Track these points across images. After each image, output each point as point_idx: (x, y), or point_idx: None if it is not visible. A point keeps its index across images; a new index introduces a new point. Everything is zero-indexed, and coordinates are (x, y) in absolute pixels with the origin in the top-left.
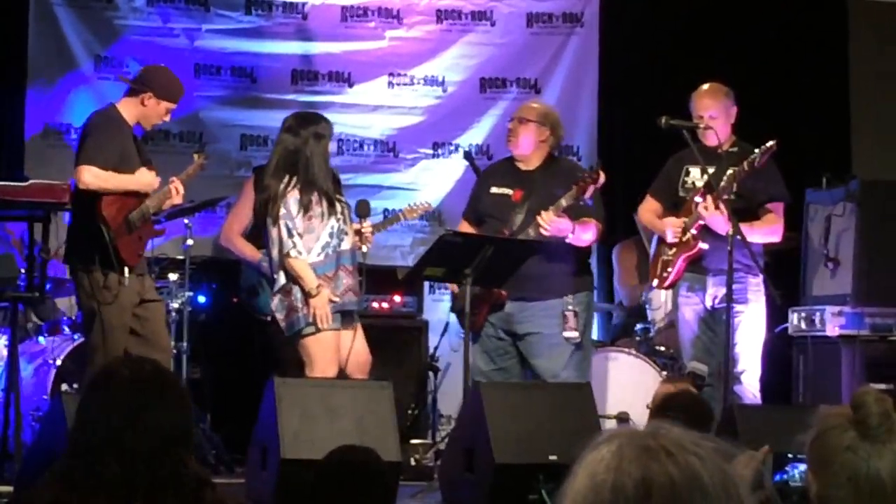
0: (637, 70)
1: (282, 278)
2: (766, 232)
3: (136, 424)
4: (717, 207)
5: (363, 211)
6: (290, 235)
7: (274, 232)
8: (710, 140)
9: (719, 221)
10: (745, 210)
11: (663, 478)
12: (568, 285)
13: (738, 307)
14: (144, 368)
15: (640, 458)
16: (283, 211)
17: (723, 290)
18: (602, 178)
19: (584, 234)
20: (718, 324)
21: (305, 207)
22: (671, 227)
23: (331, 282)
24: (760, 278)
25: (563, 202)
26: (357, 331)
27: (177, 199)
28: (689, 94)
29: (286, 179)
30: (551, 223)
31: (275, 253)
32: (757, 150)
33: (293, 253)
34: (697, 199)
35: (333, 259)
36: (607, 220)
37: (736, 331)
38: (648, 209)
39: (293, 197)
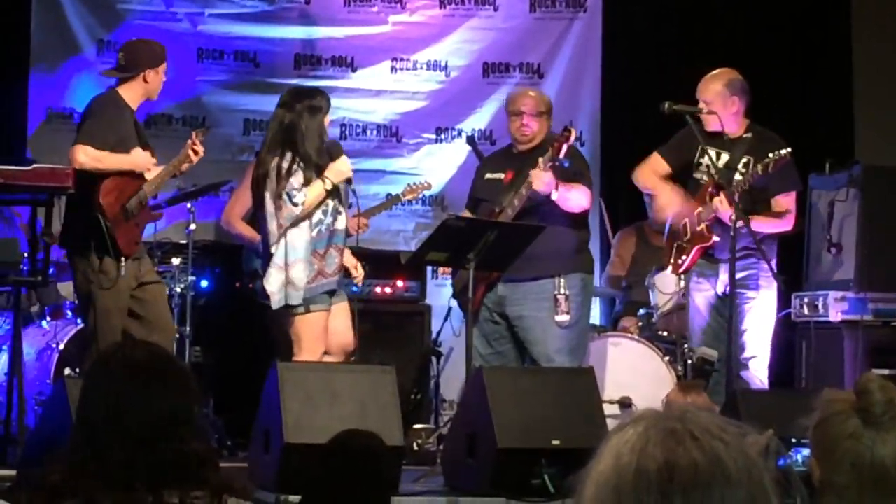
0: (640, 55)
1: (279, 252)
2: (777, 223)
3: (134, 407)
4: (730, 204)
5: (335, 153)
6: (290, 197)
7: (272, 206)
8: (712, 126)
9: (725, 214)
10: (756, 200)
11: (686, 461)
12: (561, 265)
13: (749, 293)
14: (136, 355)
15: (665, 441)
16: (283, 183)
17: (728, 277)
18: (573, 135)
19: (573, 194)
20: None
21: (306, 184)
22: (687, 217)
23: (322, 259)
24: (773, 263)
25: (541, 164)
26: (345, 311)
27: (195, 158)
28: (693, 78)
29: (288, 156)
30: (539, 178)
31: (274, 226)
32: (771, 155)
33: (299, 211)
34: (712, 190)
35: (326, 236)
36: (612, 206)
37: (746, 317)
38: (653, 168)
39: (296, 178)
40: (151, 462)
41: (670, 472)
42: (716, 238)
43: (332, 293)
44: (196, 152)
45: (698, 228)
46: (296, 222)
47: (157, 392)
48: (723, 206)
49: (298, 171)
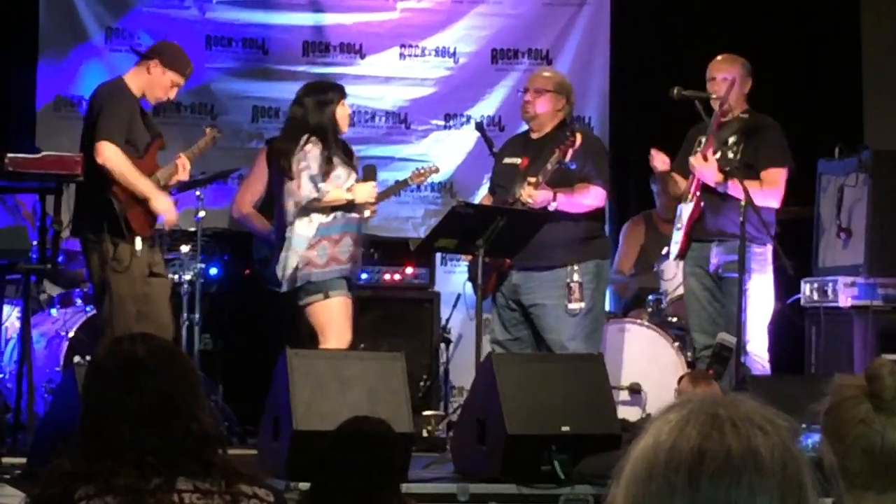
0: (649, 41)
1: (296, 232)
2: (759, 193)
3: (133, 401)
4: (706, 160)
5: (369, 176)
6: (314, 182)
7: (293, 185)
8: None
9: (708, 172)
10: (745, 176)
11: (720, 447)
12: (574, 254)
13: (739, 276)
14: (137, 350)
15: (704, 425)
16: (303, 164)
17: (724, 258)
18: (578, 139)
19: (575, 199)
20: (725, 295)
21: (327, 162)
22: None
23: (336, 245)
24: (768, 247)
25: (549, 167)
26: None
27: (183, 176)
28: (701, 64)
29: (310, 139)
30: (531, 197)
31: (291, 205)
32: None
33: (319, 195)
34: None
35: (341, 223)
36: (621, 194)
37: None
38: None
39: (314, 153)
40: (159, 438)
41: (702, 456)
42: (701, 204)
43: (348, 284)
44: (184, 167)
45: (687, 200)
46: (308, 211)
47: (154, 386)
48: (698, 163)
49: (319, 157)
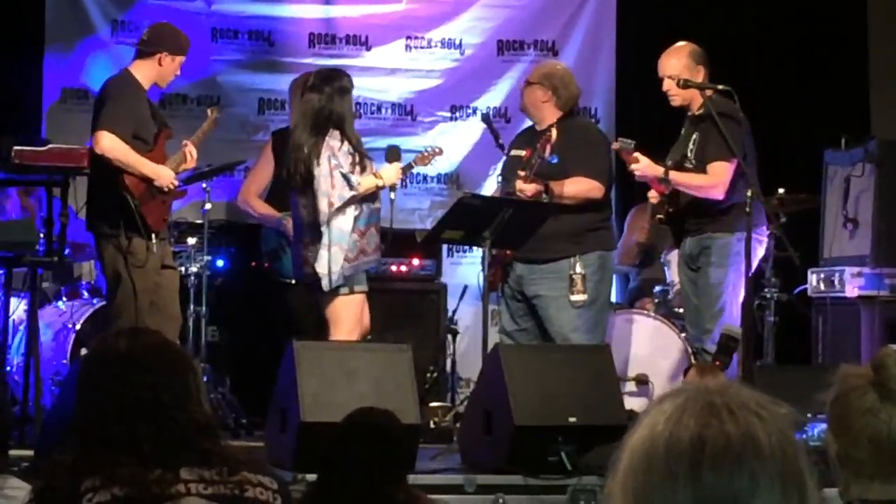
0: (655, 31)
1: (328, 233)
2: (702, 188)
3: (125, 394)
4: (638, 161)
5: (393, 157)
6: (347, 179)
7: (326, 184)
8: (677, 102)
9: (648, 172)
10: (697, 170)
11: (719, 434)
12: (576, 245)
13: (704, 268)
14: (119, 346)
15: (700, 413)
16: (334, 162)
17: (692, 250)
18: (553, 134)
19: (567, 188)
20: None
21: (352, 157)
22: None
23: (363, 237)
24: (731, 237)
25: (534, 161)
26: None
27: (190, 164)
28: (708, 54)
29: (336, 135)
30: (521, 191)
31: (325, 204)
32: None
33: (354, 192)
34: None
35: (367, 214)
36: (625, 185)
37: (708, 292)
38: None
39: (342, 149)
40: (149, 431)
41: (702, 444)
42: (654, 194)
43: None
44: (192, 154)
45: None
46: (344, 206)
47: (137, 381)
48: (635, 167)
49: (349, 154)
